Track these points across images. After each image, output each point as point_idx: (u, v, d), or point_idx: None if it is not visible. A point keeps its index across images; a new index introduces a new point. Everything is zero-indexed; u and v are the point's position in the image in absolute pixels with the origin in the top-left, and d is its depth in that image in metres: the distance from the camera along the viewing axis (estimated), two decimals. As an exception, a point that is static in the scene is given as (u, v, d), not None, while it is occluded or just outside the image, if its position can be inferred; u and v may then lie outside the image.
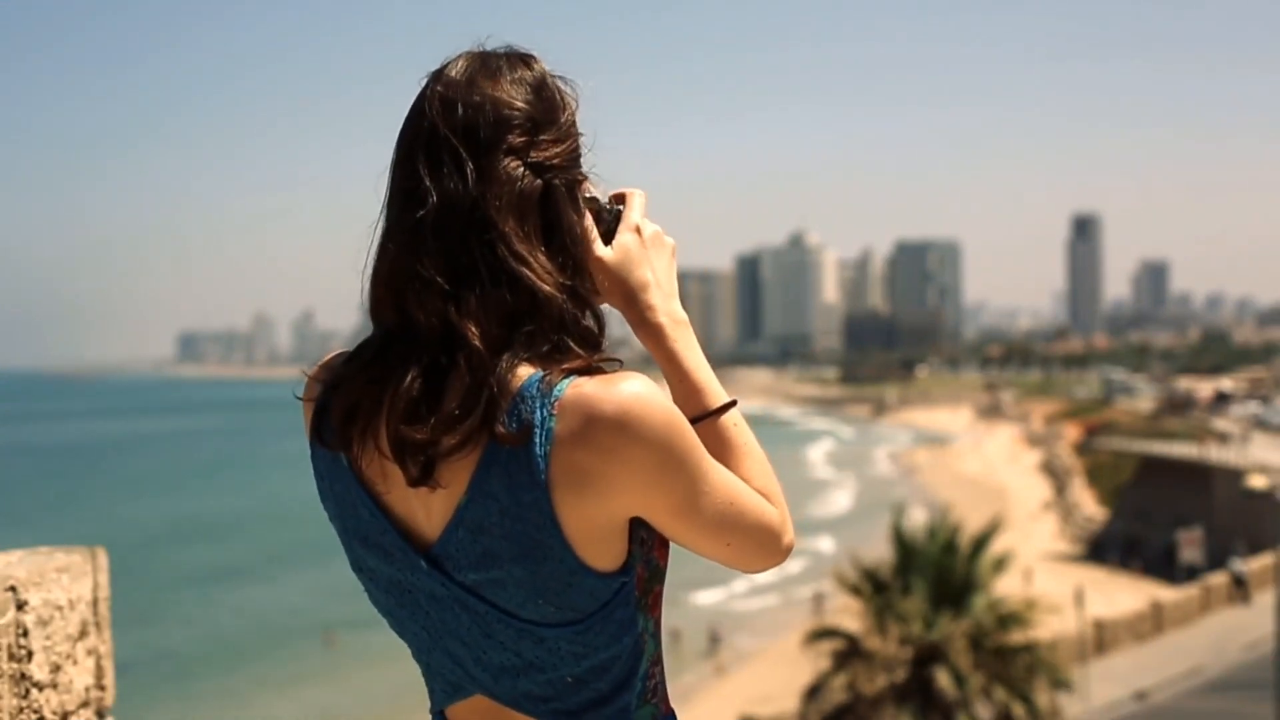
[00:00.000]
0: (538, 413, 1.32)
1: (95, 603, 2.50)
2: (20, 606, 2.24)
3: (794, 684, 24.81)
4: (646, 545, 1.42)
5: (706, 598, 43.53)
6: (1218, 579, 39.18)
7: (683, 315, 1.54)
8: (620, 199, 1.56)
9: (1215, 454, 55.63)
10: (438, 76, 1.43)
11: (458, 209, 1.37)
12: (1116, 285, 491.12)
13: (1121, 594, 41.44)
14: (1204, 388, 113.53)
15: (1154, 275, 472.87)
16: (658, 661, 1.47)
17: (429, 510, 1.38)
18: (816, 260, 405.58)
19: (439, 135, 1.39)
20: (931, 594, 21.98)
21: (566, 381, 1.33)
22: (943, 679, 20.71)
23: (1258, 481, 46.19)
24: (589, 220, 1.51)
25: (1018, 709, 21.02)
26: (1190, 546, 43.69)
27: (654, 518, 1.39)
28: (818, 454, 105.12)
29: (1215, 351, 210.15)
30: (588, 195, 1.53)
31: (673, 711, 1.51)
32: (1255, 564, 39.74)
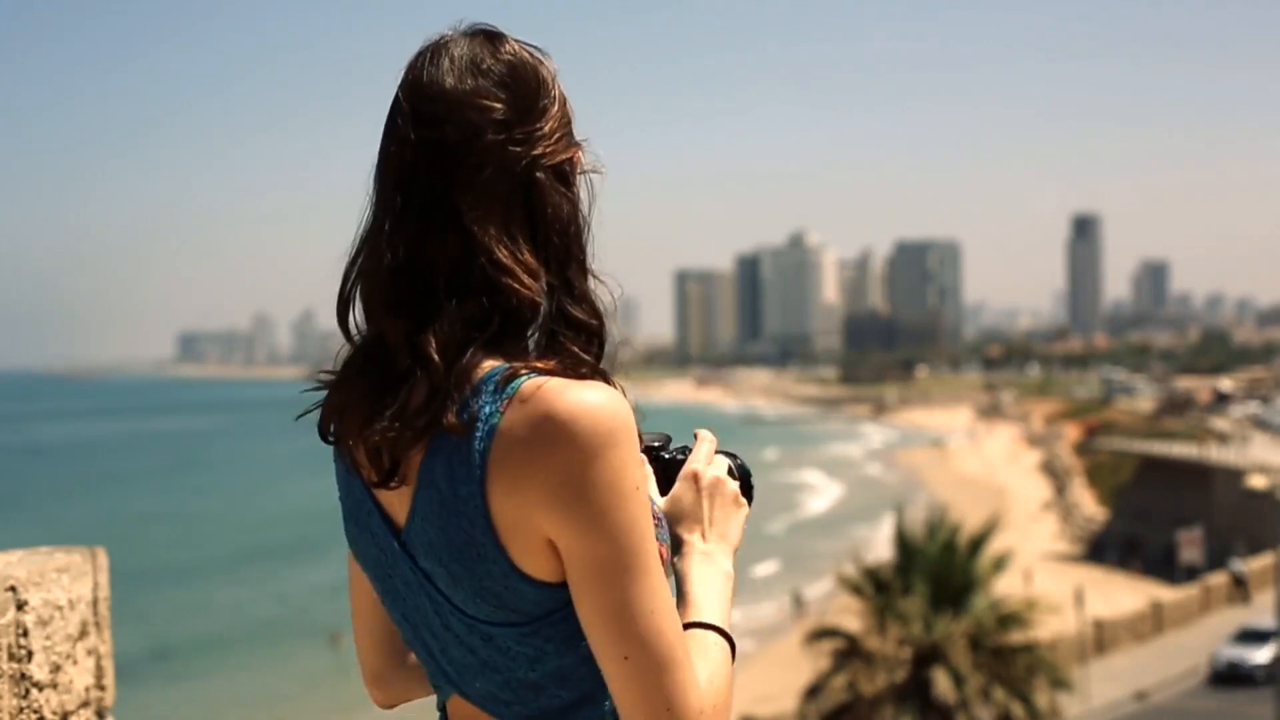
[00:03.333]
0: (487, 406, 1.26)
1: (95, 603, 2.50)
2: (20, 606, 2.24)
3: (794, 684, 24.79)
4: None
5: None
6: (1218, 579, 39.23)
7: (726, 564, 1.47)
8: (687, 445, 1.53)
9: (1215, 454, 55.71)
10: (407, 83, 1.37)
11: (433, 223, 1.32)
12: (1116, 285, 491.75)
13: (1121, 594, 41.43)
14: (1204, 388, 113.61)
15: (1154, 275, 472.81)
16: None
17: (400, 496, 1.35)
18: (816, 260, 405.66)
19: (409, 148, 1.34)
20: (931, 594, 21.96)
21: (527, 377, 1.27)
22: (942, 679, 20.66)
23: (1258, 481, 46.22)
24: (646, 468, 1.41)
25: (1017, 709, 20.99)
26: (1190, 546, 43.72)
27: (562, 547, 1.27)
28: (849, 454, 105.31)
29: (1215, 351, 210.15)
30: (646, 444, 1.49)
31: None
32: (1255, 564, 39.80)
